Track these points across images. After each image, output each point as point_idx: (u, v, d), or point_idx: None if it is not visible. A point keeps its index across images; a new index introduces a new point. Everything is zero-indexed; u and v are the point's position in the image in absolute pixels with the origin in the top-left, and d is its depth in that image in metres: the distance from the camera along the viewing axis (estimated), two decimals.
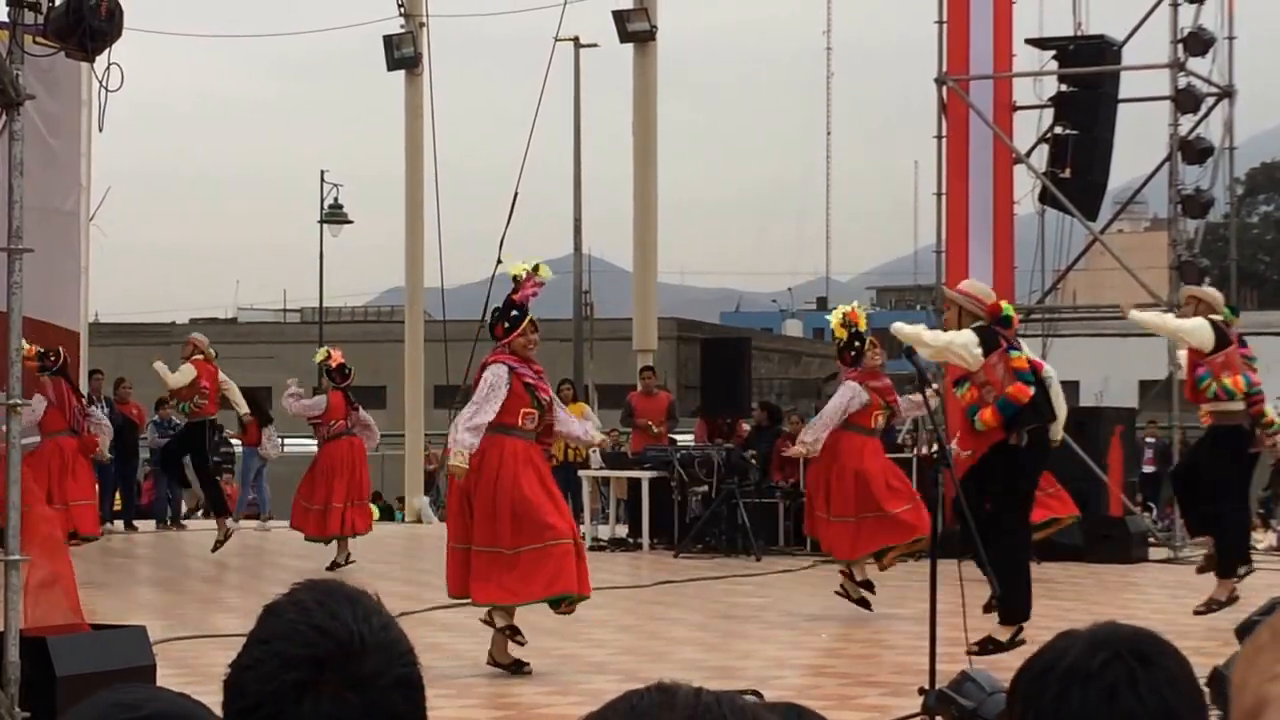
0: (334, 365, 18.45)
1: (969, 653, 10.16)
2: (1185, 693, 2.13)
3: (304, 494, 18.31)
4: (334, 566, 17.59)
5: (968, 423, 11.21)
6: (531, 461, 11.08)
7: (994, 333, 11.16)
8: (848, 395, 13.69)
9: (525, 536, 10.86)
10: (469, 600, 11.24)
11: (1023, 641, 10.97)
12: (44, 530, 9.18)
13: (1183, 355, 13.69)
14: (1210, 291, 13.73)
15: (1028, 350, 11.58)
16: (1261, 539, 20.41)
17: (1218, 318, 13.07)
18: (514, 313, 11.13)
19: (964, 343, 11.07)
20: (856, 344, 13.71)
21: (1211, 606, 12.92)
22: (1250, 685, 1.56)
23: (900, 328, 11.27)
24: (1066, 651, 2.17)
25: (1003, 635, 11.12)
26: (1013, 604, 11.16)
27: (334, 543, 18.07)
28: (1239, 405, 12.90)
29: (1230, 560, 13.14)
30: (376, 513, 18.81)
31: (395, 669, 2.08)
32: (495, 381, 11.00)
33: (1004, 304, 11.44)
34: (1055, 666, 2.16)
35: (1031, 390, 11.01)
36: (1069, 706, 2.12)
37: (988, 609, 11.20)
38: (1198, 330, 12.87)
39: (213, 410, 19.72)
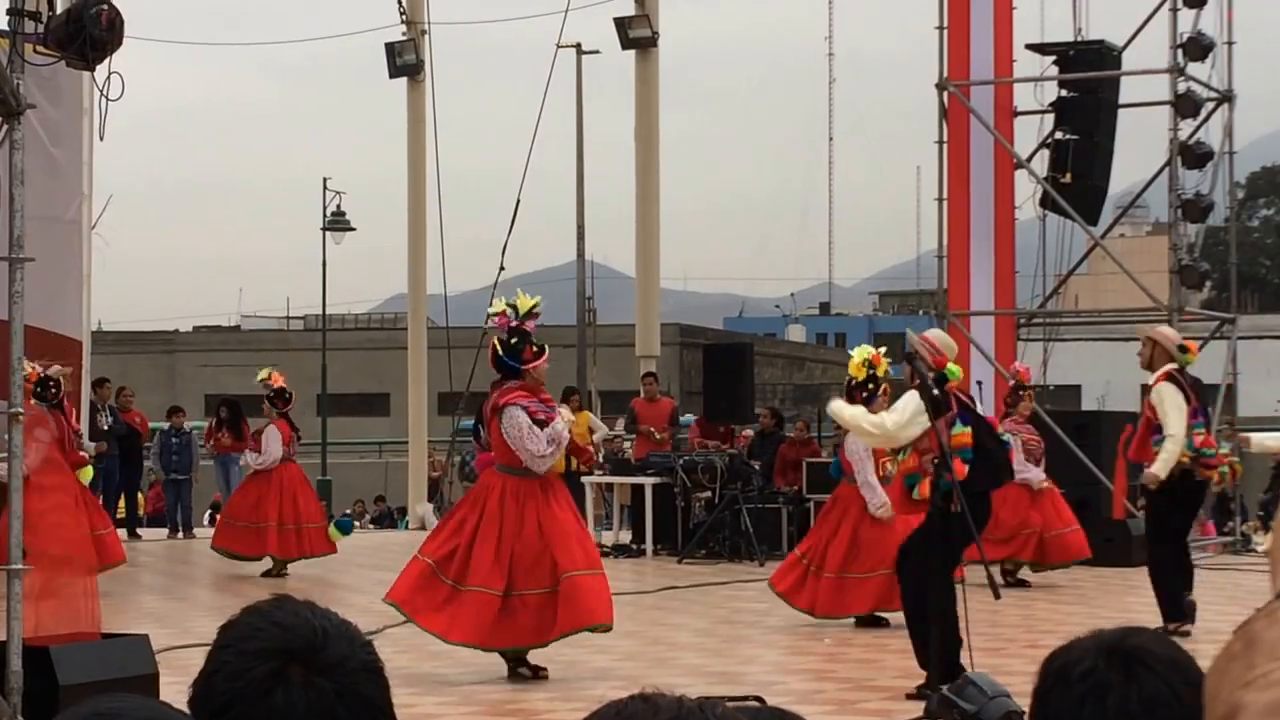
0: (274, 388, 18.28)
1: (908, 696, 9.98)
2: (1164, 715, 2.09)
3: (234, 513, 18.39)
4: (268, 574, 17.92)
5: (905, 491, 10.50)
6: (536, 499, 10.89)
7: (941, 397, 10.16)
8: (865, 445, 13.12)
9: (527, 581, 10.78)
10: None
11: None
12: (69, 542, 9.19)
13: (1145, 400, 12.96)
14: (1167, 332, 13.25)
15: (963, 429, 10.37)
16: (1262, 542, 20.38)
17: (1173, 367, 12.68)
18: (533, 342, 11.00)
19: (908, 419, 10.17)
20: (870, 386, 12.99)
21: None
22: (1223, 694, 1.56)
23: (839, 410, 10.71)
24: (1058, 654, 2.18)
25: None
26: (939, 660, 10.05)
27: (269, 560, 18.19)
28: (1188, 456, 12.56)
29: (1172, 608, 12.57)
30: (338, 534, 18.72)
31: (359, 655, 2.12)
32: (524, 422, 10.81)
33: (950, 365, 10.46)
34: (1049, 667, 2.18)
35: (966, 470, 10.07)
36: (1049, 708, 2.14)
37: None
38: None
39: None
